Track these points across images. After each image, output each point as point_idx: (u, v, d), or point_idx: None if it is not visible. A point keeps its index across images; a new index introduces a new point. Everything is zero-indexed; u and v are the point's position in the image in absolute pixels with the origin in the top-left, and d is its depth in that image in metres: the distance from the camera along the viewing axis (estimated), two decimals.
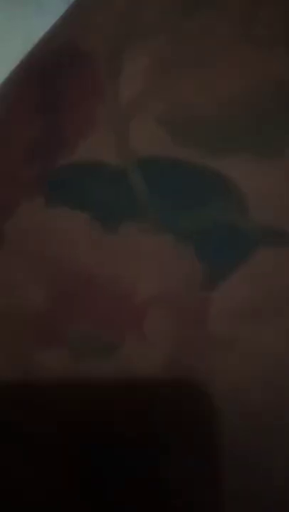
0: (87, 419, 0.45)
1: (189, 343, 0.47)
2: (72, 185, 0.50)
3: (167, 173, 0.50)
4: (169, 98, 0.51)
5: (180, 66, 0.52)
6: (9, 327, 0.47)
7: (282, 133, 0.50)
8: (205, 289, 0.48)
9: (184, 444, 0.45)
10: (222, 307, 0.47)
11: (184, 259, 0.48)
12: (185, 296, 0.48)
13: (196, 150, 0.50)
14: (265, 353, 0.46)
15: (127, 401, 0.45)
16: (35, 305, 0.48)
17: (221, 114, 0.50)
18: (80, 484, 0.44)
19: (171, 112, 0.51)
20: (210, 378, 0.45)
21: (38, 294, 0.48)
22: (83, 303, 0.48)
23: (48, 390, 0.46)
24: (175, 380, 0.46)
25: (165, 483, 0.44)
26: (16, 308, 0.48)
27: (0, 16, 0.58)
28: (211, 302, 0.47)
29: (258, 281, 0.47)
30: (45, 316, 0.47)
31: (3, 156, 0.50)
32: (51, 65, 0.53)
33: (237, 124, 0.50)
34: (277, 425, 0.46)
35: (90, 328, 0.47)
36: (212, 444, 0.44)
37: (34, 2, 0.58)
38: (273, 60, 0.51)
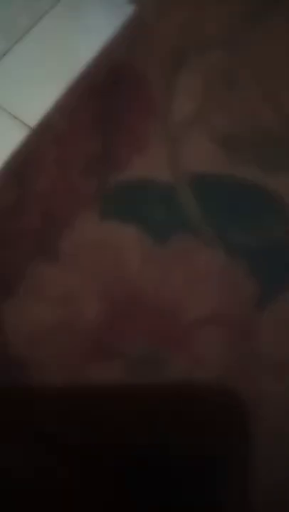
0: (137, 434, 0.46)
1: (238, 364, 0.46)
2: (125, 201, 0.51)
3: (219, 189, 0.50)
4: (224, 114, 0.51)
5: (237, 80, 0.52)
6: (63, 339, 0.49)
7: None
8: (257, 309, 0.47)
9: (228, 464, 0.45)
10: (275, 328, 0.46)
11: (236, 276, 0.48)
12: (236, 315, 0.47)
13: (249, 166, 0.50)
14: None
15: (174, 418, 0.46)
16: (89, 318, 0.49)
17: (275, 127, 0.50)
18: (131, 498, 0.45)
19: (226, 129, 0.51)
20: (257, 402, 0.45)
21: (91, 308, 0.49)
22: (134, 318, 0.48)
23: (99, 402, 0.47)
24: (222, 402, 0.46)
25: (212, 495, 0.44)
26: (71, 321, 0.49)
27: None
28: (264, 323, 0.47)
29: None
30: (98, 329, 0.48)
31: (62, 168, 0.52)
32: (107, 83, 0.54)
33: None
34: None
35: (140, 342, 0.48)
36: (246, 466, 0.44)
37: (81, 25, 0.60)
38: None
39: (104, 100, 0.53)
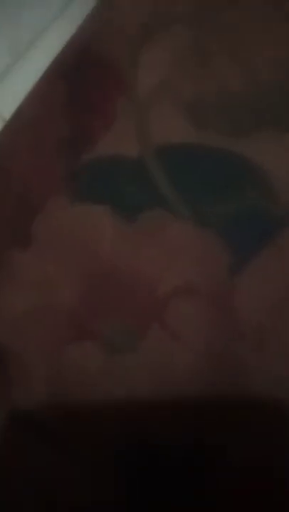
0: (121, 413, 0.44)
1: (215, 332, 0.44)
2: (96, 181, 0.50)
3: (188, 160, 0.49)
4: (191, 84, 0.50)
5: (202, 51, 0.51)
6: (41, 323, 0.48)
7: None
8: (231, 276, 0.45)
9: (218, 437, 0.42)
10: (250, 293, 0.44)
11: (209, 246, 0.46)
12: (210, 284, 0.46)
13: (217, 134, 0.48)
14: None
15: (154, 392, 0.44)
16: (65, 301, 0.48)
17: (243, 94, 0.48)
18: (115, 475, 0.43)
19: (193, 98, 0.50)
20: (239, 369, 0.43)
21: (67, 290, 0.48)
22: (110, 296, 0.47)
23: (81, 384, 0.46)
24: (203, 372, 0.44)
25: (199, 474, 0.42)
26: (48, 305, 0.48)
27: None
28: (238, 289, 0.45)
29: (287, 264, 0.44)
30: (75, 311, 0.47)
31: (34, 153, 0.52)
32: (76, 65, 0.54)
33: (260, 101, 0.48)
34: None
35: (118, 321, 0.47)
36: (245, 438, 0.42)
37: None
38: None
39: (73, 82, 0.53)
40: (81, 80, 0.53)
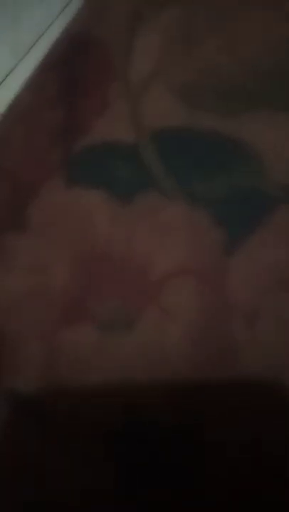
0: (115, 395, 0.45)
1: (210, 313, 0.44)
2: (91, 165, 0.50)
3: (181, 142, 0.49)
4: (182, 67, 0.51)
5: (193, 35, 0.51)
6: (36, 307, 0.48)
7: None
8: (224, 257, 0.45)
9: (214, 417, 0.42)
10: (244, 274, 0.44)
11: (202, 227, 0.47)
12: (204, 265, 0.46)
13: (210, 116, 0.48)
14: None
15: (149, 374, 0.44)
16: (60, 284, 0.48)
17: (235, 76, 0.49)
18: (107, 452, 0.43)
19: (185, 81, 0.50)
20: (233, 348, 0.42)
21: (62, 274, 0.48)
22: (105, 279, 0.48)
23: (76, 366, 0.46)
24: (196, 352, 0.44)
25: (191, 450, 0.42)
26: (43, 289, 0.48)
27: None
28: (232, 270, 0.44)
29: (280, 244, 0.44)
30: (70, 294, 0.48)
31: (29, 140, 0.52)
32: (68, 54, 0.55)
33: (252, 83, 0.48)
34: None
35: (113, 303, 0.47)
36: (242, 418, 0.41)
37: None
38: None
39: (66, 70, 0.54)
40: (74, 68, 0.54)
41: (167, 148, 0.48)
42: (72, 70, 0.53)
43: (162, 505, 0.41)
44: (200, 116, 0.47)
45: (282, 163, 0.45)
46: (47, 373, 0.46)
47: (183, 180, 0.47)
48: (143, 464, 0.42)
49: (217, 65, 0.49)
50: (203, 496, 0.41)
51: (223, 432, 0.41)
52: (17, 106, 0.54)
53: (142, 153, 0.49)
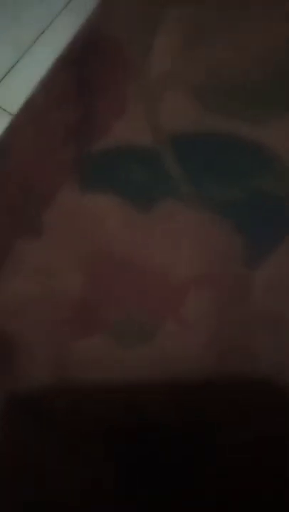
0: (127, 406, 0.43)
1: (232, 324, 0.43)
2: (106, 169, 0.49)
3: (201, 146, 0.47)
4: (202, 68, 0.49)
5: (213, 34, 0.49)
6: (49, 314, 0.47)
7: None
8: (247, 266, 0.44)
9: (229, 427, 0.41)
10: (267, 285, 0.43)
11: (223, 235, 0.45)
12: (226, 275, 0.44)
13: (230, 118, 0.47)
14: None
15: (167, 385, 0.43)
16: (74, 291, 0.47)
17: (255, 78, 0.47)
18: (116, 473, 0.42)
19: (204, 83, 0.49)
20: (254, 360, 0.41)
21: (76, 280, 0.47)
22: (121, 287, 0.46)
23: (88, 378, 0.45)
24: (218, 363, 0.42)
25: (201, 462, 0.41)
26: (56, 295, 0.47)
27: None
28: (256, 280, 0.43)
29: None
30: (83, 301, 0.46)
31: (42, 142, 0.51)
32: (84, 54, 0.53)
33: (273, 85, 0.46)
34: None
35: (129, 313, 0.46)
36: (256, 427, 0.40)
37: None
38: None
39: (81, 70, 0.52)
40: (89, 68, 0.52)
41: (185, 152, 0.47)
42: (88, 70, 0.52)
43: (162, 505, 0.40)
44: (219, 120, 0.46)
45: None
46: (57, 381, 0.45)
47: (202, 186, 0.46)
48: (143, 464, 0.41)
49: (234, 66, 0.47)
50: (203, 496, 0.40)
51: (225, 431, 0.40)
52: (29, 107, 0.53)
53: (159, 158, 0.47)
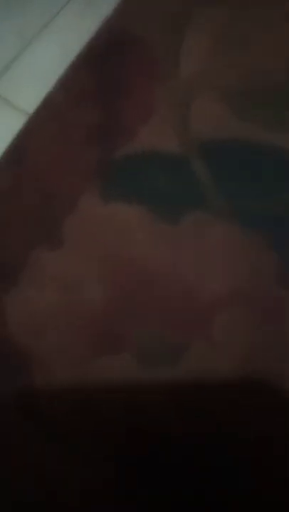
0: (149, 425, 0.41)
1: (263, 345, 0.41)
2: (131, 177, 0.46)
3: (232, 154, 0.45)
4: (233, 73, 0.46)
5: (244, 37, 0.47)
6: (69, 328, 0.45)
7: None
8: (282, 285, 0.42)
9: (254, 451, 0.39)
10: None
11: (255, 250, 0.43)
12: (258, 293, 0.42)
13: (263, 127, 0.44)
14: None
15: (193, 406, 0.41)
16: (96, 305, 0.44)
17: (283, 81, 0.44)
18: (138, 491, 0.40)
19: (236, 88, 0.46)
20: (283, 379, 0.39)
21: (98, 294, 0.44)
22: (146, 303, 0.44)
23: (109, 394, 0.43)
24: (246, 385, 0.40)
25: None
26: (77, 309, 0.45)
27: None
28: (288, 300, 0.41)
29: None
30: (105, 316, 0.44)
31: (62, 145, 0.48)
32: (107, 52, 0.50)
33: None
34: None
35: (153, 329, 0.43)
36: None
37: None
38: None
39: (106, 70, 0.49)
40: (114, 67, 0.49)
41: (215, 159, 0.44)
42: (112, 69, 0.49)
43: (162, 505, 0.39)
44: (251, 127, 0.43)
45: None
46: (74, 397, 0.43)
47: (233, 196, 0.44)
48: (143, 464, 0.39)
49: (269, 72, 0.44)
50: (203, 496, 0.38)
51: (224, 430, 0.38)
52: (49, 106, 0.50)
53: (186, 165, 0.45)
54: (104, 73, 0.50)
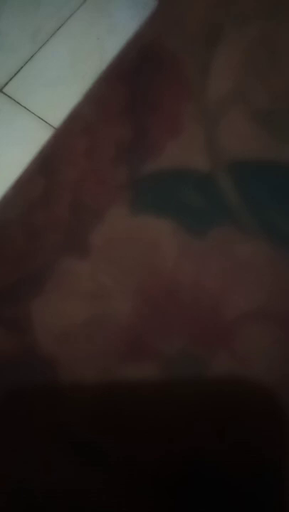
0: (175, 437, 0.42)
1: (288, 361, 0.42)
2: (159, 191, 0.47)
3: (264, 176, 0.45)
4: (266, 91, 0.47)
5: (279, 53, 0.47)
6: (95, 338, 0.45)
7: None
8: None
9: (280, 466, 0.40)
10: None
11: (284, 269, 0.44)
12: (284, 310, 0.43)
13: None
14: None
15: (218, 422, 0.41)
16: (122, 316, 0.45)
17: None
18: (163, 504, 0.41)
19: (268, 107, 0.47)
20: None
21: (125, 304, 0.45)
22: (172, 316, 0.44)
23: (134, 404, 0.43)
24: (273, 404, 0.41)
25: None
26: (103, 319, 0.45)
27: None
28: None
29: None
30: (132, 327, 0.45)
31: (92, 158, 0.49)
32: (137, 65, 0.51)
33: None
34: None
35: (179, 341, 0.44)
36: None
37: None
38: None
39: (135, 84, 0.50)
40: (144, 83, 0.50)
41: (246, 181, 0.45)
42: (142, 83, 0.49)
43: (161, 504, 0.39)
44: (284, 147, 0.44)
45: None
46: (100, 408, 0.43)
47: (263, 216, 0.44)
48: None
49: None
50: (202, 496, 0.39)
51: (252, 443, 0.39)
52: (76, 119, 0.50)
53: (218, 185, 0.46)
54: (134, 87, 0.50)
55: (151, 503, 0.42)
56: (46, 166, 0.50)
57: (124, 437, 0.42)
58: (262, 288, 0.43)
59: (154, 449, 0.42)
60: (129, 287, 0.46)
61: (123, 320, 0.45)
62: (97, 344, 0.45)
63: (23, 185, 0.48)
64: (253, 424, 0.41)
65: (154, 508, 0.41)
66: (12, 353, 0.45)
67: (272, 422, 0.41)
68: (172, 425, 0.42)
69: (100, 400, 0.44)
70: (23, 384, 0.45)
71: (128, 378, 0.44)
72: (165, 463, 0.41)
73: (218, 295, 0.44)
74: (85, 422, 0.43)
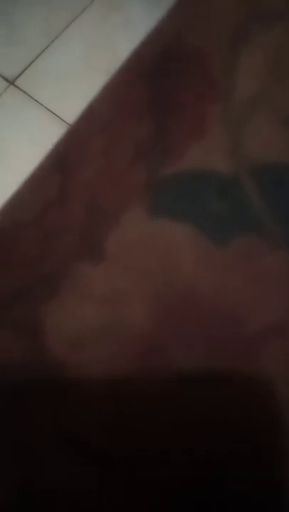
0: (187, 445, 0.40)
1: None
2: (179, 195, 0.45)
3: (288, 181, 0.43)
4: None
5: None
6: (108, 344, 0.44)
7: None
8: None
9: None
10: None
11: None
12: None
13: None
14: None
15: (222, 425, 0.40)
16: (137, 323, 0.43)
17: None
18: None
19: None
20: None
21: (140, 312, 0.43)
22: (188, 325, 0.43)
23: (136, 406, 0.42)
24: None
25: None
26: (118, 325, 0.44)
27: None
28: None
29: None
30: (147, 335, 0.43)
31: (109, 157, 0.47)
32: (158, 62, 0.49)
33: None
34: None
35: (197, 352, 0.42)
36: None
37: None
38: None
39: (156, 83, 0.48)
40: (166, 81, 0.48)
41: (272, 186, 0.43)
42: (164, 82, 0.47)
43: (162, 505, 0.38)
44: None
45: None
46: (112, 418, 0.42)
47: (288, 225, 0.42)
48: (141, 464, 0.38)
49: None
50: (202, 496, 0.38)
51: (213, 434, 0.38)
52: (94, 116, 0.48)
53: (242, 190, 0.44)
54: (155, 85, 0.48)
55: (151, 503, 0.40)
56: (61, 164, 0.48)
57: (124, 437, 0.41)
58: (285, 301, 0.42)
59: (154, 449, 0.40)
60: (145, 294, 0.44)
61: (137, 326, 0.43)
62: (108, 348, 0.43)
63: (38, 183, 0.47)
64: (260, 434, 0.40)
65: (154, 508, 0.40)
66: (22, 354, 0.44)
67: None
68: (174, 426, 0.40)
69: (100, 400, 0.42)
70: (28, 384, 0.43)
71: (135, 380, 0.42)
72: (165, 463, 0.40)
73: (238, 307, 0.42)
74: (85, 422, 0.41)
